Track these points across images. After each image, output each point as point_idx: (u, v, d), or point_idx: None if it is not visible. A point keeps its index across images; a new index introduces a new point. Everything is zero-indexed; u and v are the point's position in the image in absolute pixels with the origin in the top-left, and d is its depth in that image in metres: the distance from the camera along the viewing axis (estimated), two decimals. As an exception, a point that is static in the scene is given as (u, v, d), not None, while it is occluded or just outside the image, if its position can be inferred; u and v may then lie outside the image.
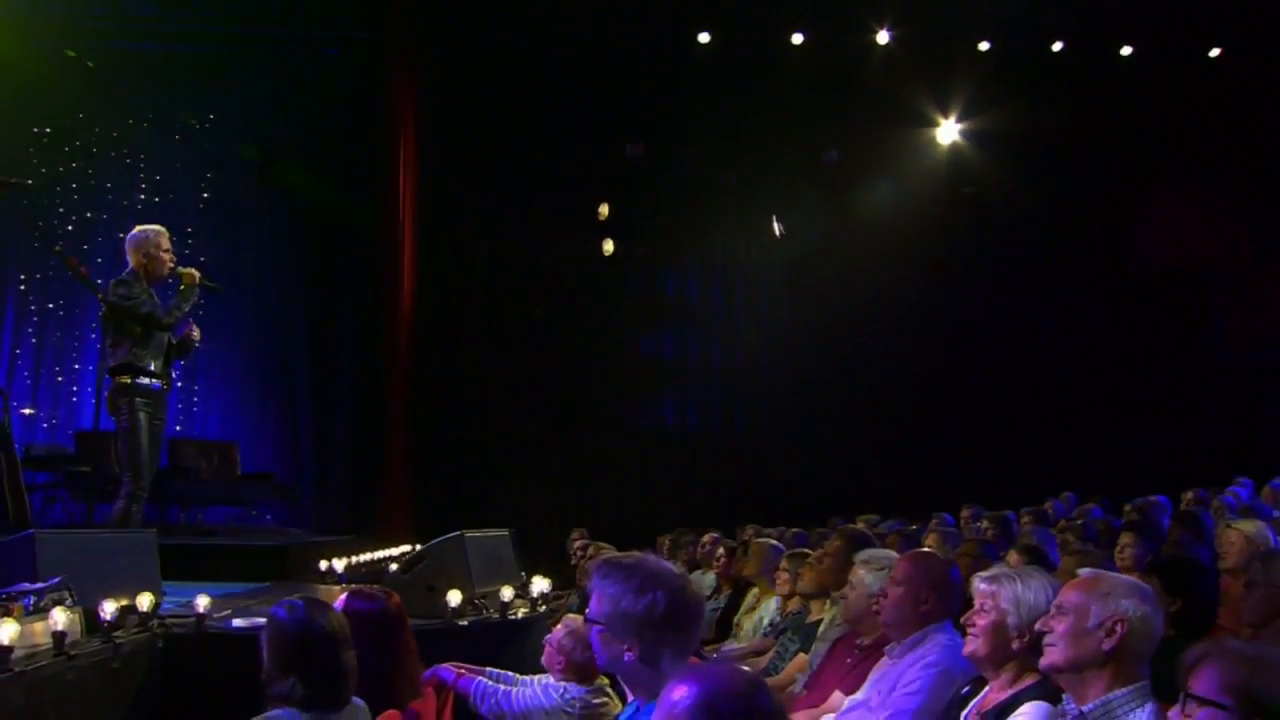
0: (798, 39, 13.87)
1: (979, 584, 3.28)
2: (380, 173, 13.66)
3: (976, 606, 3.24)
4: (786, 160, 14.51)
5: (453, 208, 14.27)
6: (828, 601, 5.40)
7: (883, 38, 13.81)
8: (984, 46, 13.86)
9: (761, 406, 14.87)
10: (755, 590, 7.07)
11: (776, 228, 14.68)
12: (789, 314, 14.82)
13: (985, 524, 8.08)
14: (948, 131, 14.59)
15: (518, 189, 14.07)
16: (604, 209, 14.36)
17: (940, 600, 3.83)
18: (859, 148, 14.37)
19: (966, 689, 3.39)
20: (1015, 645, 3.14)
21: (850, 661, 4.42)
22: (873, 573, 4.31)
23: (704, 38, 13.97)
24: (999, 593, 3.22)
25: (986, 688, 3.24)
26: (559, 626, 4.08)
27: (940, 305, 14.53)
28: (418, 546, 9.63)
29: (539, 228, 14.17)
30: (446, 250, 14.29)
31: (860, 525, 7.74)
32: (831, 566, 5.21)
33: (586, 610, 2.76)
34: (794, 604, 6.10)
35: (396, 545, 9.75)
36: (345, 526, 11.99)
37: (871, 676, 4.01)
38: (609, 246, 14.35)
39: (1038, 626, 2.94)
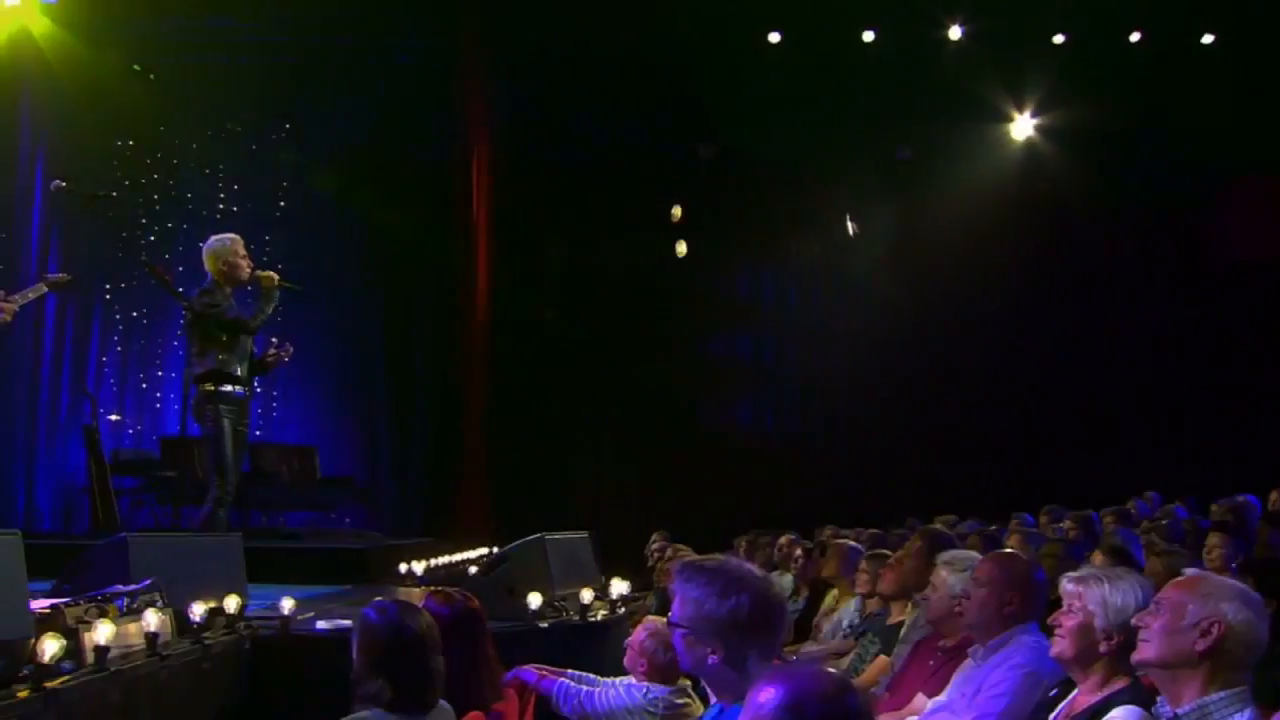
0: (869, 36, 13.78)
1: (1066, 585, 3.23)
2: (454, 176, 13.81)
3: (1064, 607, 3.20)
4: (859, 158, 14.41)
5: (526, 211, 14.36)
6: (909, 603, 5.35)
7: (955, 33, 13.67)
8: (1059, 39, 13.65)
9: (837, 407, 14.75)
10: (834, 591, 7.02)
11: (850, 227, 14.59)
12: (863, 314, 14.70)
13: (1068, 524, 7.95)
14: (1022, 127, 14.40)
15: (591, 191, 14.14)
16: (677, 210, 14.39)
17: (1025, 601, 3.77)
18: (932, 145, 14.23)
19: (1054, 691, 3.34)
20: (1103, 647, 3.09)
21: (933, 664, 4.37)
22: (955, 574, 4.25)
23: (775, 37, 13.94)
24: (1086, 594, 3.16)
25: (1075, 690, 3.19)
26: (640, 629, 4.09)
27: (1016, 303, 14.31)
28: (495, 549, 9.74)
29: (612, 230, 14.23)
30: (521, 253, 14.40)
31: (938, 526, 7.66)
32: (912, 567, 5.15)
33: (669, 613, 2.76)
34: (874, 605, 6.05)
35: (474, 548, 9.83)
36: (423, 529, 12.11)
37: (955, 679, 3.97)
38: (682, 248, 14.37)
39: (1133, 622, 2.89)
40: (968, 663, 3.90)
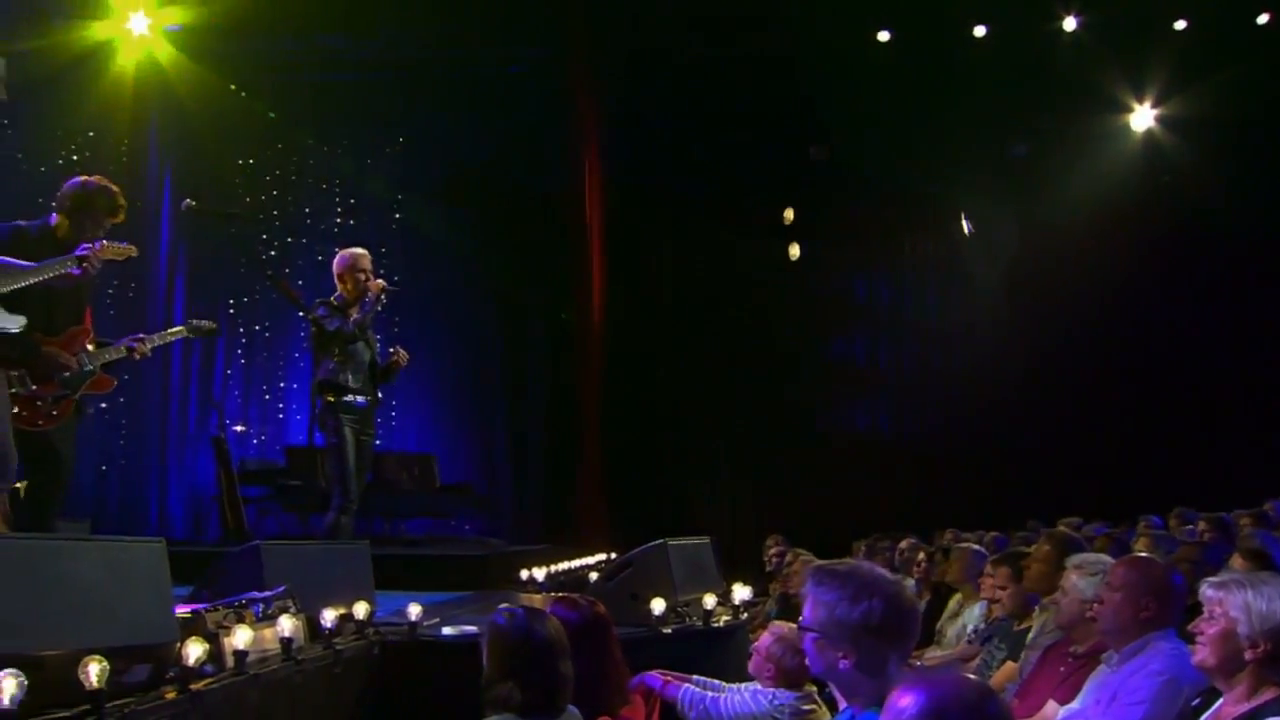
0: (980, 31, 13.55)
1: (1207, 590, 3.14)
2: (567, 185, 13.95)
3: (1205, 614, 3.11)
4: (974, 156, 14.17)
5: (639, 217, 14.43)
6: (1036, 608, 5.25)
7: (1069, 24, 13.37)
8: (1180, 25, 13.25)
9: (955, 408, 14.51)
10: (958, 596, 6.93)
11: (966, 226, 14.37)
12: (982, 313, 14.47)
13: (1201, 527, 7.71)
14: (1142, 118, 14.03)
15: (703, 196, 14.17)
16: (789, 213, 14.34)
17: (1162, 607, 3.68)
18: (1049, 140, 13.95)
19: (1197, 701, 3.24)
20: (1248, 655, 2.98)
21: (1064, 670, 4.27)
22: (1086, 578, 4.15)
23: (884, 36, 13.79)
24: (1228, 599, 3.06)
25: (1220, 700, 3.10)
26: (767, 633, 4.08)
27: (1138, 299, 13.92)
28: (613, 555, 9.80)
29: (725, 234, 14.24)
30: (634, 259, 14.49)
31: (1062, 529, 7.50)
32: (1040, 572, 5.06)
33: (793, 618, 2.76)
34: (999, 610, 5.95)
35: (593, 554, 9.90)
36: (541, 535, 12.23)
37: (1088, 686, 3.88)
38: (795, 251, 14.31)
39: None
40: (1102, 669, 3.82)
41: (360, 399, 7.10)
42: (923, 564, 7.78)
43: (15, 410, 5.12)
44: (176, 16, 12.61)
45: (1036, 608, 5.25)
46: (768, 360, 14.52)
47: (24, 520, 5.26)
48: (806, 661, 2.81)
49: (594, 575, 8.02)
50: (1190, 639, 3.24)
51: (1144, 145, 14.07)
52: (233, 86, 13.26)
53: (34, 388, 5.17)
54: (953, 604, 6.96)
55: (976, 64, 13.60)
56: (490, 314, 14.32)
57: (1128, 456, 13.31)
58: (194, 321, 6.35)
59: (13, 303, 4.28)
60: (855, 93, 13.97)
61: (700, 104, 14.07)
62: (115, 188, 5.48)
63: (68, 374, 5.31)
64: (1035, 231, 14.04)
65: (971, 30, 13.54)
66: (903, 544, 8.77)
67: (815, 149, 14.45)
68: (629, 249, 14.48)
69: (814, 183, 14.49)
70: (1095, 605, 3.90)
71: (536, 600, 6.36)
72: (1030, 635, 5.15)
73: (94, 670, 2.97)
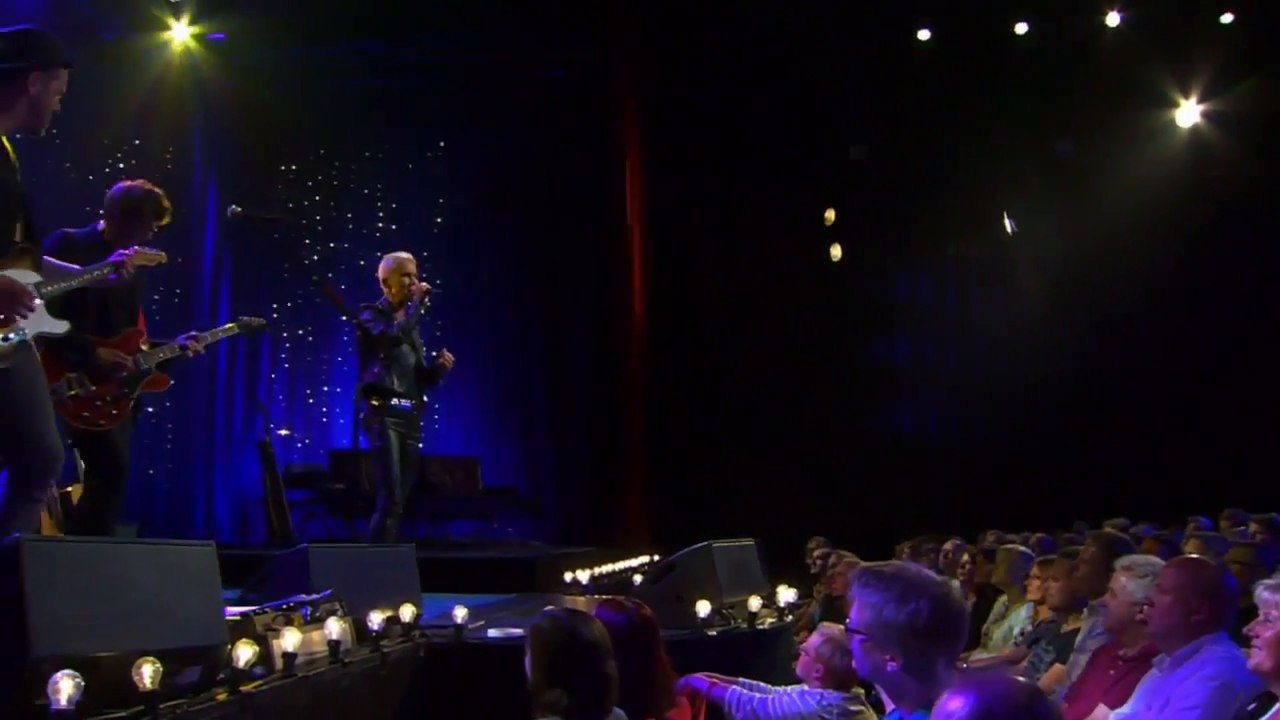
0: (1021, 28, 13.46)
1: (1262, 592, 3.11)
2: (608, 188, 13.98)
3: (1260, 617, 3.07)
4: (1016, 154, 14.07)
5: (680, 219, 14.43)
6: (1084, 610, 5.22)
7: (1113, 19, 13.24)
8: (1226, 18, 13.08)
9: (999, 408, 14.40)
10: (1003, 598, 6.89)
11: (1009, 225, 14.27)
12: (1026, 313, 14.34)
13: (1254, 528, 7.62)
14: (1188, 113, 13.86)
15: (744, 197, 14.14)
16: (830, 213, 14.29)
17: (1214, 610, 3.64)
18: (1093, 136, 13.81)
19: (1253, 705, 3.20)
20: (1307, 658, 2.97)
21: (1114, 674, 4.24)
22: (1135, 580, 4.12)
23: (924, 34, 13.73)
24: (1285, 602, 3.05)
25: (1276, 705, 3.06)
26: (815, 635, 4.08)
27: (1184, 297, 13.75)
28: (657, 557, 9.81)
29: (766, 235, 14.21)
30: (675, 261, 14.48)
31: (1109, 530, 7.44)
32: (1088, 573, 5.02)
33: (839, 619, 2.76)
34: (1046, 612, 5.91)
35: (636, 556, 9.92)
36: (585, 538, 12.25)
37: (1139, 690, 3.85)
38: (837, 251, 14.27)
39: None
40: (1153, 673, 3.78)
41: (405, 402, 7.15)
42: (967, 566, 7.74)
43: (81, 412, 5.24)
44: (219, 25, 12.78)
45: (1084, 610, 5.22)
46: (810, 361, 14.47)
47: (85, 523, 5.37)
48: (854, 662, 2.81)
49: (638, 578, 8.03)
50: (1244, 642, 3.20)
51: (1190, 141, 13.90)
52: (274, 93, 13.38)
53: (93, 388, 5.28)
54: (998, 606, 6.93)
55: (1018, 61, 13.50)
56: (533, 316, 14.35)
57: (1175, 456, 13.15)
58: (244, 319, 6.45)
59: (66, 306, 4.39)
60: (896, 92, 13.92)
61: (740, 106, 14.04)
62: (159, 191, 5.59)
63: (125, 374, 5.41)
64: (1080, 230, 13.89)
65: (1013, 27, 13.45)
66: (947, 545, 8.73)
67: (856, 149, 14.41)
68: (670, 251, 14.48)
69: (855, 183, 14.43)
70: (1145, 608, 3.87)
71: (581, 603, 6.37)
72: (1078, 638, 5.12)
73: (148, 672, 3.02)
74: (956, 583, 7.77)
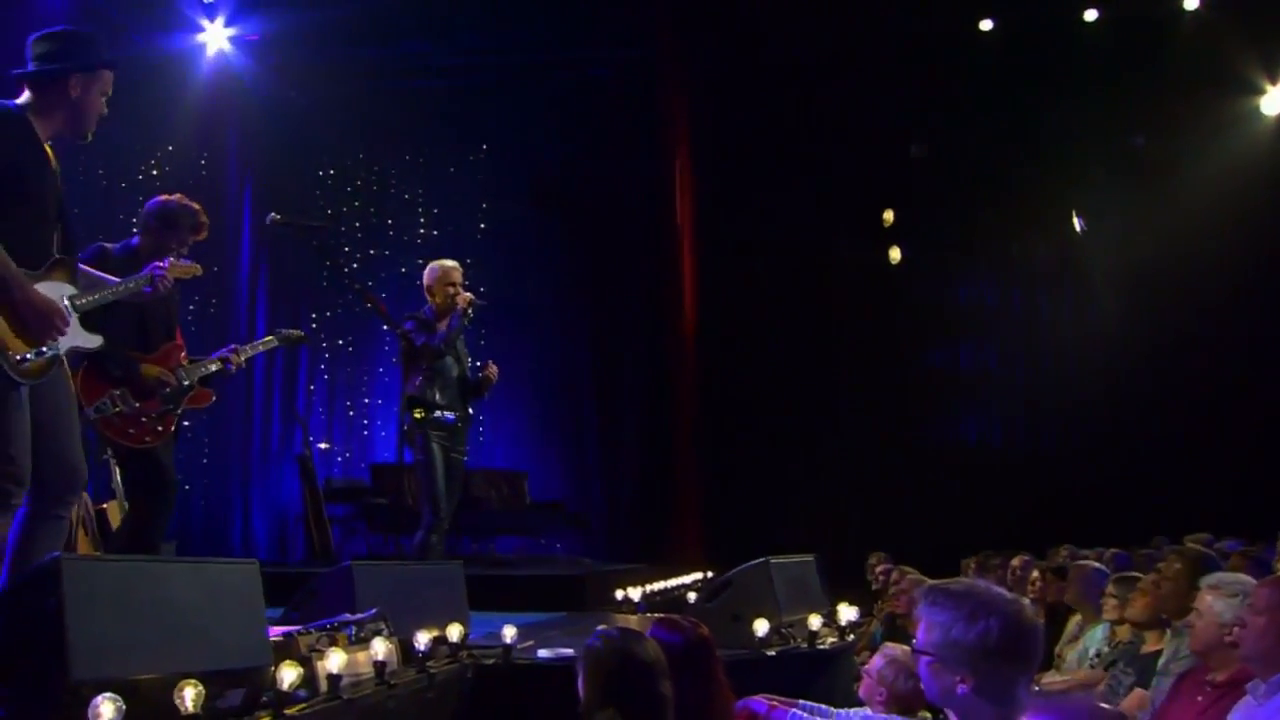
0: (1091, 15, 13.31)
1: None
2: (656, 190, 14.00)
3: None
4: (1086, 148, 13.89)
5: (732, 222, 14.39)
6: (1167, 631, 5.14)
7: (1190, 2, 13.05)
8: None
9: (1071, 417, 14.21)
10: (1077, 617, 6.81)
11: (1077, 224, 14.12)
12: (1097, 316, 14.17)
13: (1353, 544, 7.49)
14: (1275, 100, 13.62)
15: (798, 199, 14.07)
16: (889, 215, 14.22)
17: (1314, 632, 3.59)
18: (1169, 128, 13.61)
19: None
20: None
21: (1202, 700, 4.15)
22: (1224, 600, 4.04)
23: (986, 25, 13.62)
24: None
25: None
26: (878, 656, 4.06)
27: (1269, 299, 13.51)
28: (710, 574, 9.80)
29: (822, 238, 14.17)
30: (728, 267, 14.44)
31: (1193, 545, 7.34)
32: (1171, 592, 4.95)
33: (902, 639, 2.75)
34: (1124, 633, 5.83)
35: (689, 572, 9.91)
36: (636, 554, 12.25)
37: (1231, 718, 3.80)
38: (896, 254, 14.20)
39: None
40: (1247, 701, 3.72)
41: (448, 415, 7.19)
42: (1037, 583, 7.65)
43: (127, 429, 5.33)
44: (254, 27, 12.90)
45: (1167, 631, 5.15)
46: (869, 369, 14.38)
47: (130, 542, 5.46)
48: (921, 685, 2.79)
49: (692, 595, 8.05)
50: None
51: (1277, 130, 13.68)
52: (311, 96, 13.52)
53: (137, 405, 5.36)
54: (1072, 626, 6.85)
55: (1088, 50, 13.33)
56: (580, 324, 14.41)
57: (1261, 467, 12.93)
58: (283, 331, 6.53)
59: (103, 322, 4.45)
60: (957, 86, 13.82)
61: (794, 104, 14.00)
62: (196, 205, 5.69)
63: (168, 389, 5.50)
64: (1155, 228, 13.69)
65: (1082, 14, 13.29)
66: (1015, 561, 8.65)
67: (915, 146, 14.31)
68: (722, 255, 14.45)
69: (915, 182, 14.33)
70: (1235, 630, 3.81)
71: (632, 621, 6.39)
72: (1161, 661, 5.04)
73: (190, 695, 3.07)
74: (1026, 601, 7.74)
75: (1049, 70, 13.52)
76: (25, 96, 4.18)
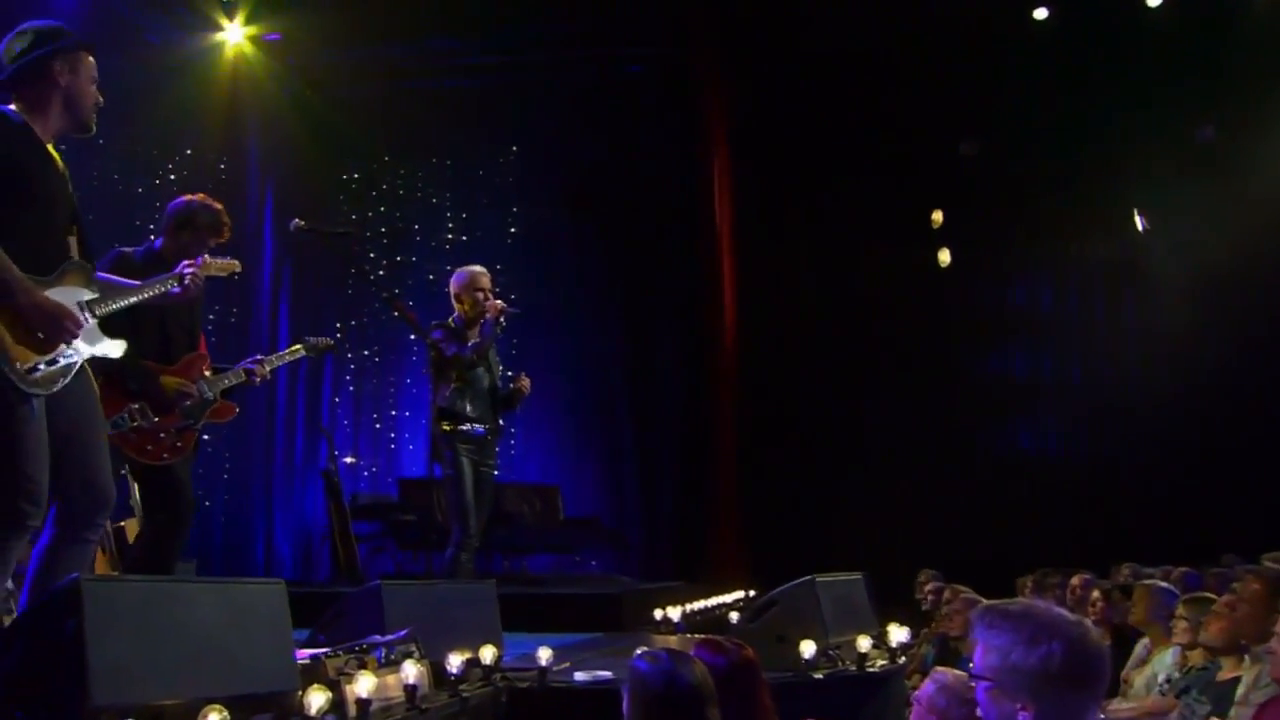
0: (1154, 0, 13.18)
1: None
2: (694, 191, 13.99)
3: None
4: (1149, 142, 13.75)
5: (773, 224, 14.38)
6: (1245, 657, 5.08)
7: (1263, -19, 12.91)
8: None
9: (1133, 427, 14.05)
10: (1144, 640, 6.75)
11: (1140, 222, 14.00)
12: (1162, 320, 14.02)
13: None
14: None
15: (842, 198, 14.04)
16: (938, 215, 14.15)
17: None
18: (1240, 119, 13.46)
19: None
20: None
21: (1288, 732, 4.14)
22: (1309, 625, 4.02)
23: (1040, 13, 13.53)
24: None
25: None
26: (929, 681, 4.04)
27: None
28: (752, 592, 9.79)
29: (867, 240, 14.12)
30: (769, 269, 14.41)
31: (1271, 564, 7.26)
32: (1249, 615, 4.90)
33: (961, 662, 2.73)
34: (1197, 657, 5.77)
35: (731, 591, 9.91)
36: (675, 571, 12.24)
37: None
38: (945, 256, 14.13)
39: None
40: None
41: (478, 427, 7.23)
42: (1099, 604, 7.58)
43: (144, 445, 5.35)
44: (274, 26, 12.95)
45: (1245, 657, 5.09)
46: (918, 377, 14.30)
47: (146, 562, 5.47)
48: (977, 712, 2.77)
49: (734, 615, 8.04)
50: None
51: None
52: (335, 97, 13.60)
53: (155, 420, 5.37)
54: (1139, 649, 6.78)
55: (1151, 37, 13.20)
56: (615, 333, 14.37)
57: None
58: (310, 339, 6.55)
59: (122, 331, 4.43)
60: (1009, 79, 13.72)
61: (837, 100, 13.95)
62: (218, 205, 5.72)
63: (189, 403, 5.51)
64: (1224, 225, 13.52)
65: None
66: (1074, 580, 8.56)
67: (966, 143, 14.24)
68: (763, 258, 14.40)
69: (965, 180, 14.26)
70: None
71: (673, 642, 6.40)
72: (1240, 688, 4.98)
73: (214, 720, 3.09)
74: (1090, 622, 7.68)
75: (1108, 60, 13.39)
76: (16, 102, 4.19)
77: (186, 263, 4.81)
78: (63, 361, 4.02)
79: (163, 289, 4.67)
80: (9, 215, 3.95)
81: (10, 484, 3.86)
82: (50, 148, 4.21)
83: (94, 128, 4.33)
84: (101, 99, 4.32)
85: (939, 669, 4.31)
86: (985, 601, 3.30)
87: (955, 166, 14.19)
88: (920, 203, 14.25)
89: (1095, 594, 7.77)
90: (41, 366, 3.94)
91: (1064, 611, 2.69)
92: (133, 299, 4.49)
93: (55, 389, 4.01)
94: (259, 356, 6.01)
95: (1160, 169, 13.80)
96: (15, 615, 4.33)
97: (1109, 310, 14.75)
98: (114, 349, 4.32)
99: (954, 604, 7.94)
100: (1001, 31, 13.61)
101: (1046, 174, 14.02)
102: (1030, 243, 14.61)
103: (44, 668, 3.03)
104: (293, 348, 6.46)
